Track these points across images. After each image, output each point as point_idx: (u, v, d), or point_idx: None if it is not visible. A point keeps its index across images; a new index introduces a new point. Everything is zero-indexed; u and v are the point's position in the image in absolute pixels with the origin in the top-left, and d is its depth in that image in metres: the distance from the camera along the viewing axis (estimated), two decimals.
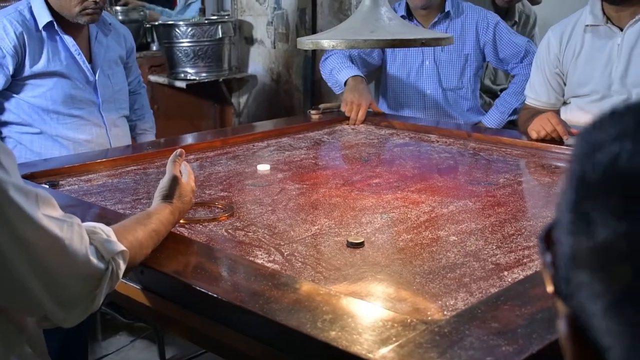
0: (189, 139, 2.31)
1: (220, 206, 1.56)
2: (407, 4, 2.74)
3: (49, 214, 0.93)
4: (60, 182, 1.76)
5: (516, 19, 3.44)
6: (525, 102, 2.44)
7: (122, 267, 1.04)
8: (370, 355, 0.85)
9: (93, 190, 1.71)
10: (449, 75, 2.78)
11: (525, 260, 1.23)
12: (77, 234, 0.97)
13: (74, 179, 1.80)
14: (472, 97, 2.83)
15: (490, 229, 1.40)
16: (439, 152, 2.11)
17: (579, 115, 2.25)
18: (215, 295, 1.04)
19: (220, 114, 3.93)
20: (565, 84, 2.30)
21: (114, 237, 1.05)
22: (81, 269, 0.97)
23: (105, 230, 1.05)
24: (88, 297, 0.98)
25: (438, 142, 2.24)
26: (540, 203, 1.59)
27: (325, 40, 1.49)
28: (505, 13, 3.33)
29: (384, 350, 0.86)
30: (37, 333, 1.09)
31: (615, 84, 2.15)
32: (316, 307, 0.98)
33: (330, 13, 3.28)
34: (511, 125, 3.03)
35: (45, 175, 1.79)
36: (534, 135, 2.09)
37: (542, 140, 2.08)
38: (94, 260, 0.99)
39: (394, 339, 0.88)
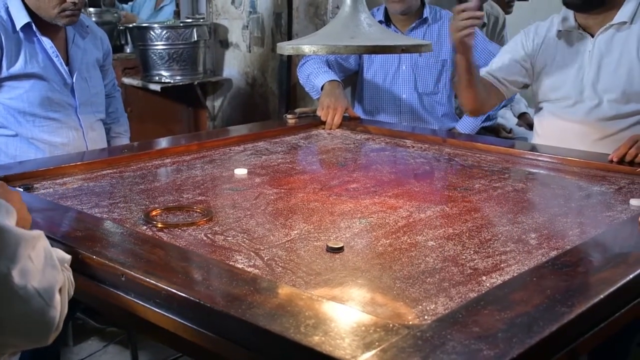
0: (165, 142, 2.29)
1: (198, 210, 1.55)
2: (385, 9, 2.77)
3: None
4: (35, 186, 1.74)
5: (485, 20, 3.49)
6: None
7: (70, 273, 1.07)
8: None
9: (69, 193, 1.70)
10: (425, 80, 2.81)
11: (502, 265, 1.25)
12: (42, 246, 0.98)
13: (49, 182, 1.78)
14: (447, 103, 2.87)
15: (467, 234, 1.42)
16: (414, 158, 2.13)
17: (552, 120, 2.28)
18: (197, 300, 1.03)
19: (194, 118, 3.91)
20: (531, 78, 2.32)
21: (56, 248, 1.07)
22: (52, 278, 0.97)
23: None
24: (57, 309, 0.98)
25: (414, 147, 2.26)
26: (515, 209, 1.61)
27: (305, 46, 1.50)
28: None
29: (368, 355, 0.86)
30: None
31: (587, 89, 2.18)
32: (299, 312, 0.98)
33: (306, 18, 3.29)
34: (485, 131, 3.08)
35: (20, 179, 1.76)
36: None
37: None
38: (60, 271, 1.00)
39: (377, 343, 0.89)
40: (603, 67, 2.16)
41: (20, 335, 0.95)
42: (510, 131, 3.40)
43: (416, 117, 2.83)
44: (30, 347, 0.99)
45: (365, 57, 2.83)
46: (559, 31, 2.24)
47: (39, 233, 0.97)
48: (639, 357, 2.45)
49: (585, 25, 2.20)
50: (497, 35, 3.59)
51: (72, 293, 1.06)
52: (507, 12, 3.97)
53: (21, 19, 2.13)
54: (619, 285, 1.09)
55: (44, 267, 0.95)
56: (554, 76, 2.25)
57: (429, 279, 1.19)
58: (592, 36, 2.18)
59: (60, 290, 0.99)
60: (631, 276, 1.12)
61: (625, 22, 2.13)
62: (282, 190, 1.74)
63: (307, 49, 1.51)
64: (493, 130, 3.24)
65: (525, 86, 2.39)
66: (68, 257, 1.08)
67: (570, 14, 2.21)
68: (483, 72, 2.38)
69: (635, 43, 2.11)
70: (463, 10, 2.02)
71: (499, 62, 2.35)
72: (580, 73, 2.19)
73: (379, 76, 2.84)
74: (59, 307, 0.97)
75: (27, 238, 0.93)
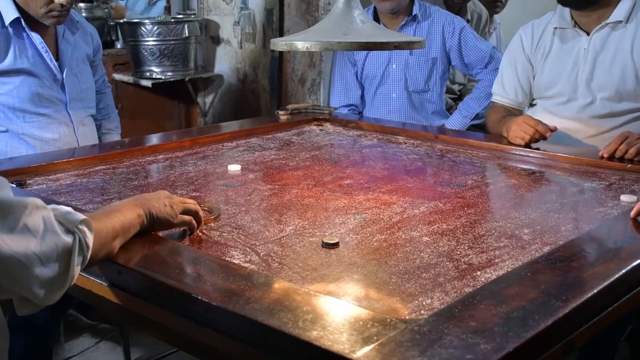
0: (157, 138, 2.29)
1: (205, 208, 1.51)
2: (374, 9, 2.77)
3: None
4: (28, 182, 1.73)
5: (469, 17, 3.51)
6: (493, 100, 2.45)
7: (89, 235, 1.06)
8: (353, 355, 0.86)
9: (62, 189, 1.69)
10: (415, 79, 2.81)
11: (496, 261, 1.26)
12: (40, 215, 0.99)
13: (42, 178, 1.77)
14: (437, 100, 2.87)
15: (461, 230, 1.43)
16: (407, 154, 2.14)
17: (545, 116, 2.29)
18: (195, 296, 1.04)
19: (185, 114, 3.90)
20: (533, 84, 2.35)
21: (72, 210, 1.07)
22: (53, 246, 0.98)
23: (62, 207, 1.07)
24: (65, 272, 1.00)
25: (406, 143, 2.27)
26: (508, 204, 1.62)
27: (299, 42, 1.50)
28: (457, 12, 3.38)
29: (366, 349, 0.87)
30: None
31: (581, 87, 2.20)
32: (296, 307, 0.98)
33: (297, 14, 3.29)
34: (473, 128, 3.09)
35: (12, 175, 1.75)
36: (520, 142, 2.08)
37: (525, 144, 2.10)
38: (62, 234, 1.01)
39: (375, 338, 0.90)
40: (597, 65, 2.17)
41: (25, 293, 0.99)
42: None
43: (406, 116, 2.84)
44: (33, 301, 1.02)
45: (356, 57, 2.84)
46: (555, 28, 2.25)
47: (32, 201, 0.98)
48: (627, 351, 2.47)
49: (581, 23, 2.21)
50: (481, 32, 3.60)
51: (89, 255, 1.06)
52: (495, 12, 3.98)
53: (10, 14, 2.11)
54: (612, 279, 1.10)
55: (44, 234, 0.97)
56: (548, 73, 2.27)
57: (424, 274, 1.20)
58: (588, 34, 2.19)
59: (69, 253, 1.01)
60: (624, 271, 1.14)
61: (620, 21, 2.14)
62: (276, 186, 1.75)
63: (300, 45, 1.52)
64: (480, 127, 3.26)
65: None
66: (80, 217, 1.06)
67: (566, 11, 2.22)
68: (498, 97, 2.41)
69: (630, 42, 2.13)
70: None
71: (510, 84, 2.38)
72: (575, 71, 2.20)
73: (369, 76, 2.84)
74: (57, 269, 0.99)
75: (18, 205, 0.95)
